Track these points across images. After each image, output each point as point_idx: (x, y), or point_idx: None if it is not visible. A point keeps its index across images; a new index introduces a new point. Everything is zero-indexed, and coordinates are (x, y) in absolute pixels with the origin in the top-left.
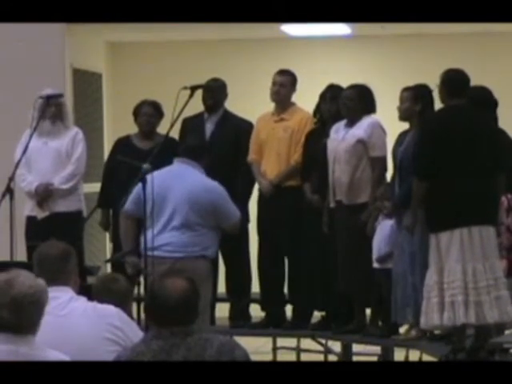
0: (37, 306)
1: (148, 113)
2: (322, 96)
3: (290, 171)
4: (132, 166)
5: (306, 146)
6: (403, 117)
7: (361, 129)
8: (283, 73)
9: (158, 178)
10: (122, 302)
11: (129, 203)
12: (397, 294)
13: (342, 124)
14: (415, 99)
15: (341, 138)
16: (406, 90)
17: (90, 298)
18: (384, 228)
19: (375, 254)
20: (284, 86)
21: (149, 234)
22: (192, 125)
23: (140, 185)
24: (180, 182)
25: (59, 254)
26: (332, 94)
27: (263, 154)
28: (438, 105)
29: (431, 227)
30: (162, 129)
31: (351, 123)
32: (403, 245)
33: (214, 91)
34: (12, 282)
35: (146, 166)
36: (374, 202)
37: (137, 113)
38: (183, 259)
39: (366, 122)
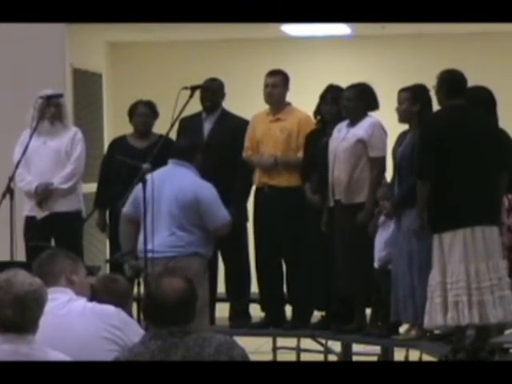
0: (39, 302)
1: (143, 113)
2: (322, 97)
3: (294, 161)
4: (130, 165)
5: (306, 147)
6: (402, 119)
7: (362, 129)
8: (274, 73)
9: (158, 177)
10: (122, 302)
11: (128, 206)
12: (396, 293)
13: (344, 123)
14: (413, 100)
15: (342, 137)
16: (403, 90)
17: (90, 297)
18: (386, 230)
19: (376, 256)
20: (276, 86)
21: (143, 235)
22: (190, 125)
23: (138, 186)
24: (171, 183)
25: (45, 257)
26: (332, 94)
27: (259, 153)
28: (435, 105)
29: (434, 227)
30: (161, 129)
31: (353, 123)
32: (402, 245)
33: (212, 91)
34: (12, 280)
35: (145, 165)
36: (372, 202)
37: (132, 113)
38: (175, 258)
39: (367, 122)
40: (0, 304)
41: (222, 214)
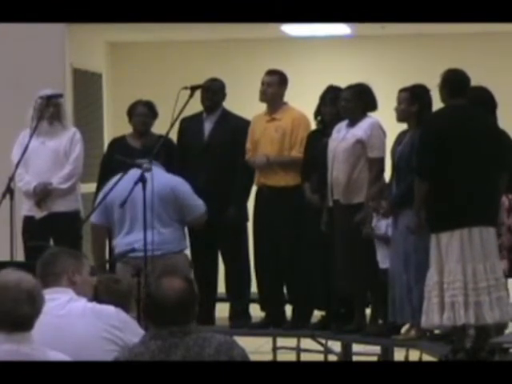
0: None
1: (142, 113)
2: (322, 98)
3: (288, 160)
4: (129, 165)
5: (306, 147)
6: (400, 118)
7: (361, 129)
8: (271, 73)
9: (124, 182)
10: (124, 303)
11: (97, 215)
12: (393, 293)
13: (343, 124)
14: (411, 100)
15: (341, 137)
16: (402, 90)
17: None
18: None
19: (380, 259)
20: (271, 85)
21: (121, 237)
22: (190, 125)
23: (101, 193)
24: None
25: (48, 257)
26: (331, 95)
27: (257, 154)
28: (436, 105)
29: (432, 227)
30: (161, 129)
31: (352, 123)
32: (398, 244)
33: (213, 91)
34: (13, 279)
35: (145, 165)
36: (369, 202)
37: (131, 113)
38: (166, 256)
39: (366, 122)
40: (16, 302)
41: (199, 203)
